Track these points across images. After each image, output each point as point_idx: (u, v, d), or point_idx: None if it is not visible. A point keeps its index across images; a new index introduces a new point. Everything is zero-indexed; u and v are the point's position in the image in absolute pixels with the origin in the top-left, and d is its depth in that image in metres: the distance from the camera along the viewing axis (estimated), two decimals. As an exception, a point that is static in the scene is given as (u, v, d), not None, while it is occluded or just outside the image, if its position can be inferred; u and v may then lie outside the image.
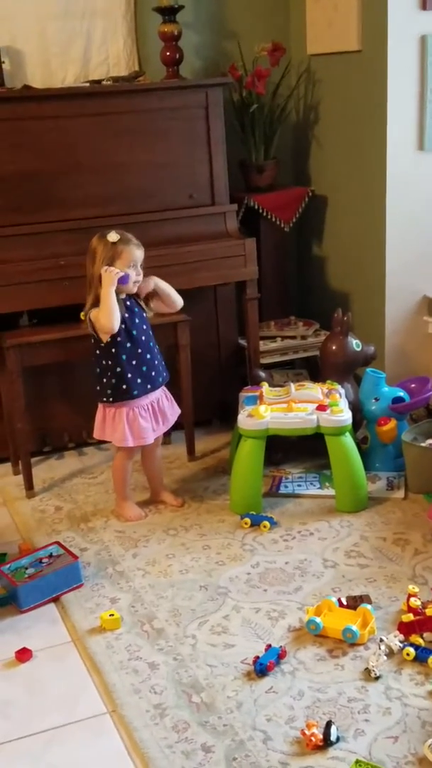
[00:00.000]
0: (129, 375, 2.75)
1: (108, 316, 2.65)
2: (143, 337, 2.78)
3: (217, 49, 3.65)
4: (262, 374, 3.27)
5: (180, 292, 3.21)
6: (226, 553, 2.65)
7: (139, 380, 2.77)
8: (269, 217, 3.59)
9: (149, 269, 2.93)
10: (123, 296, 2.74)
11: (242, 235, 3.35)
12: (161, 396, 2.87)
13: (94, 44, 3.45)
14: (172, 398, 2.93)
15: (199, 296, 3.41)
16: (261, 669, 2.08)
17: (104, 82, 3.32)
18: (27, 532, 2.86)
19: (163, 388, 2.89)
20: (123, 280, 2.67)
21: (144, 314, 2.82)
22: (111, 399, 2.77)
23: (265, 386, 3.08)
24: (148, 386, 2.80)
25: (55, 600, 2.47)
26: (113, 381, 2.75)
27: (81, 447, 3.45)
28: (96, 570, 2.60)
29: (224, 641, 2.23)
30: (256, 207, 3.56)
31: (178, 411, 2.95)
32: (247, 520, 2.80)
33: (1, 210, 3.06)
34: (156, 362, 2.82)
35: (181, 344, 3.18)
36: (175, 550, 2.69)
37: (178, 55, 3.40)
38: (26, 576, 2.45)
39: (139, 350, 2.77)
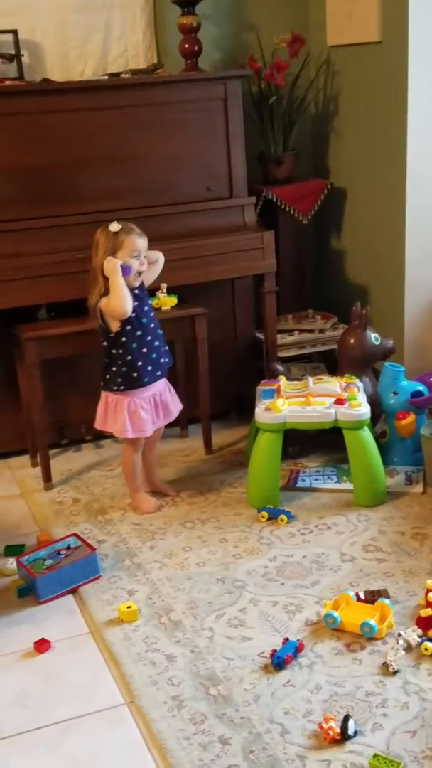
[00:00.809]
0: (139, 363, 2.77)
1: (120, 300, 2.66)
2: (152, 324, 2.80)
3: (236, 40, 3.63)
4: (280, 368, 3.26)
5: (197, 285, 3.23)
6: (243, 546, 2.65)
7: (149, 368, 2.79)
8: (287, 209, 3.58)
9: (168, 262, 2.93)
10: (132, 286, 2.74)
11: (260, 227, 3.34)
12: (164, 389, 2.87)
13: (113, 36, 3.44)
14: (175, 392, 2.94)
15: (216, 289, 3.40)
16: (278, 662, 2.08)
17: (123, 75, 3.32)
18: (45, 524, 2.87)
19: (166, 381, 2.89)
20: (125, 271, 2.67)
21: (149, 300, 2.83)
22: (122, 387, 2.78)
23: (282, 380, 3.07)
24: (158, 373, 2.82)
25: (73, 591, 2.48)
26: (123, 369, 2.77)
27: (98, 439, 3.46)
28: (113, 562, 2.61)
29: (241, 634, 2.23)
30: (275, 199, 3.55)
31: (180, 405, 2.95)
32: (264, 513, 2.80)
33: (20, 203, 3.06)
34: (163, 348, 2.85)
35: (199, 337, 3.18)
36: (192, 543, 2.69)
37: (196, 47, 3.39)
38: (44, 567, 2.46)
39: (149, 337, 2.78)
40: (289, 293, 3.71)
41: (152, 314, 2.82)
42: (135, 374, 2.77)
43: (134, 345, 2.76)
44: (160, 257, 2.87)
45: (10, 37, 3.25)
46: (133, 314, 2.73)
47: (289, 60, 3.50)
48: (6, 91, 3.04)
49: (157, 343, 2.81)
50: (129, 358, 2.76)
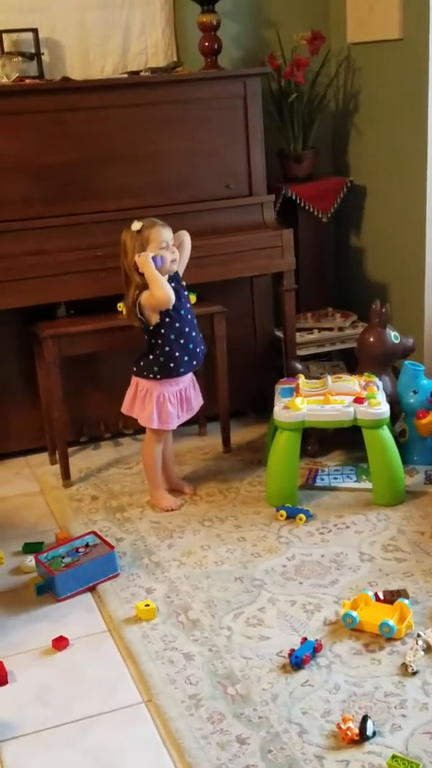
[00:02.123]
0: (177, 354, 2.80)
1: (161, 290, 2.69)
2: (189, 315, 2.83)
3: (256, 38, 3.62)
4: (299, 366, 3.25)
5: (216, 283, 3.22)
6: (261, 545, 2.65)
7: (185, 358, 2.82)
8: (307, 207, 3.57)
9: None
10: (165, 277, 2.75)
11: (279, 225, 3.33)
12: (189, 384, 2.90)
13: (133, 34, 3.44)
14: (198, 387, 2.95)
15: (235, 287, 3.40)
16: (296, 662, 2.07)
17: (142, 73, 3.32)
18: (64, 521, 2.88)
19: (192, 376, 2.91)
20: (157, 262, 2.70)
21: (185, 291, 2.85)
22: (158, 376, 2.81)
23: (301, 378, 3.06)
24: (194, 362, 2.85)
25: (92, 589, 2.49)
26: (161, 359, 2.79)
27: (117, 437, 3.47)
28: (132, 560, 2.61)
29: (260, 633, 2.23)
30: (294, 197, 3.53)
31: (201, 401, 2.97)
32: (283, 512, 2.79)
33: (40, 201, 3.07)
34: (200, 338, 2.88)
35: (218, 335, 3.18)
36: (211, 542, 2.69)
37: (216, 45, 3.38)
38: (63, 565, 2.47)
39: (186, 328, 2.81)
40: (309, 291, 3.70)
41: (189, 305, 2.85)
42: (172, 364, 2.80)
43: (173, 336, 2.79)
44: (185, 238, 2.88)
45: (30, 35, 3.26)
46: (171, 306, 2.77)
47: (309, 57, 3.48)
48: (26, 90, 3.05)
49: (194, 333, 2.85)
50: (167, 349, 2.79)
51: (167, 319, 2.77)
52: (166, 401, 2.82)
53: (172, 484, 3.02)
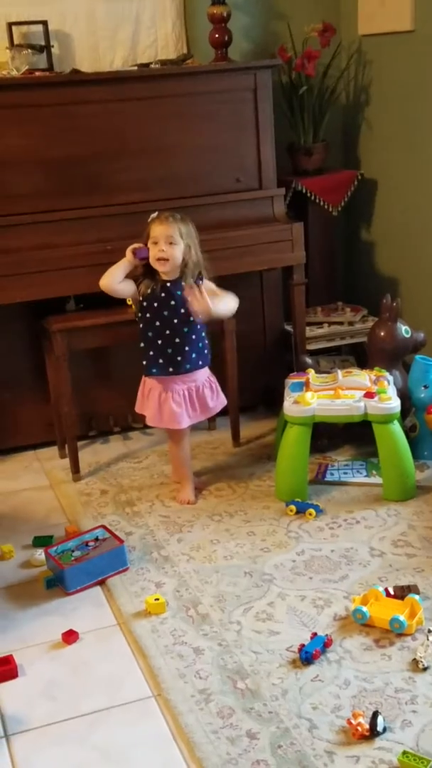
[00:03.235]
0: (151, 353, 2.78)
1: (105, 275, 2.75)
2: (175, 320, 2.77)
3: (267, 30, 3.60)
4: (309, 360, 3.24)
5: (226, 277, 3.20)
6: (271, 539, 2.64)
7: (160, 360, 2.78)
8: (317, 200, 3.55)
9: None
10: (165, 278, 2.74)
11: (290, 219, 3.31)
12: (202, 384, 2.85)
13: (143, 27, 3.43)
14: (218, 389, 2.91)
15: (245, 281, 3.38)
16: (306, 657, 2.07)
17: (152, 66, 3.30)
18: (73, 515, 2.88)
19: (209, 376, 2.87)
20: (139, 253, 2.71)
21: (189, 299, 2.78)
22: (144, 371, 2.83)
23: (311, 373, 3.05)
24: (170, 369, 2.79)
25: (101, 583, 2.48)
26: (142, 355, 2.81)
27: (126, 431, 3.46)
28: (141, 554, 2.61)
29: (269, 628, 2.22)
30: (304, 191, 3.52)
31: (223, 401, 2.92)
32: (293, 507, 2.78)
33: (49, 194, 3.07)
34: (187, 349, 2.79)
35: (227, 330, 3.16)
36: (220, 536, 2.68)
37: (226, 37, 3.37)
38: (73, 559, 2.47)
39: (168, 332, 2.77)
40: (319, 285, 3.68)
41: (183, 312, 2.76)
42: (144, 362, 2.80)
43: (149, 333, 2.78)
44: (227, 299, 2.84)
45: (39, 27, 3.25)
46: (155, 305, 2.75)
47: (320, 49, 3.46)
48: (36, 83, 3.04)
49: (177, 341, 2.77)
50: (142, 345, 2.80)
51: (147, 314, 2.76)
52: (168, 400, 2.80)
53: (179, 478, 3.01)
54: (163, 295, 2.75)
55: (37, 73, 3.15)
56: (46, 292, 3.03)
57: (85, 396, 3.31)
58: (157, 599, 2.32)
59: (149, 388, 2.84)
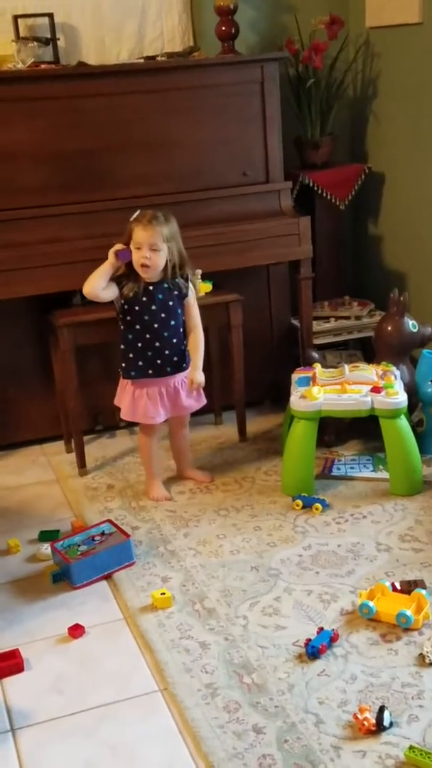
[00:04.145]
0: (130, 355, 2.77)
1: (89, 279, 2.70)
2: (156, 325, 2.73)
3: (274, 23, 3.58)
4: (315, 355, 3.23)
5: (232, 271, 3.20)
6: (277, 534, 2.63)
7: (140, 363, 2.76)
8: (324, 194, 3.53)
9: (203, 248, 2.90)
10: (148, 281, 2.71)
11: (297, 213, 3.30)
12: (176, 385, 2.81)
13: (149, 19, 3.42)
14: (197, 391, 2.84)
15: (251, 275, 3.38)
16: (313, 652, 2.06)
17: (159, 58, 3.29)
18: (79, 510, 2.88)
19: (185, 377, 2.82)
20: (122, 256, 2.67)
21: (174, 306, 2.74)
22: (120, 372, 2.82)
23: (318, 367, 3.04)
24: (150, 371, 2.76)
25: (107, 577, 2.48)
26: (121, 356, 2.79)
27: (132, 426, 3.45)
28: (147, 548, 2.60)
29: (275, 623, 2.22)
30: (311, 184, 3.50)
31: (200, 402, 2.87)
32: (299, 501, 2.78)
33: (55, 188, 3.06)
34: (167, 353, 2.76)
35: (234, 324, 3.16)
36: (226, 531, 2.68)
37: (233, 30, 3.35)
38: (79, 553, 2.47)
39: (148, 335, 2.74)
40: (326, 279, 3.67)
41: (163, 316, 2.73)
42: (123, 364, 2.79)
43: (130, 336, 2.76)
44: (200, 344, 2.82)
45: (45, 20, 3.24)
46: (136, 308, 2.73)
47: (328, 42, 3.44)
48: (41, 76, 3.03)
49: (157, 344, 2.74)
50: (122, 346, 2.78)
51: (128, 317, 2.74)
52: (142, 395, 2.78)
53: (186, 474, 3.01)
54: (144, 299, 2.72)
55: (43, 66, 3.14)
56: (52, 287, 3.02)
57: (92, 390, 3.30)
58: (163, 594, 2.32)
59: (124, 383, 2.84)
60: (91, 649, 2.19)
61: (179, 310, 2.76)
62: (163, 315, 2.74)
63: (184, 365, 2.80)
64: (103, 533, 2.56)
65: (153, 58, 3.31)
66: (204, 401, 2.90)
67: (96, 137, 3.07)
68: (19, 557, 2.63)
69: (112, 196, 3.11)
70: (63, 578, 2.48)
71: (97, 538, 2.54)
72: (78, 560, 2.44)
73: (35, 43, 3.18)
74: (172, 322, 2.75)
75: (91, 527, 2.61)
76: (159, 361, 2.76)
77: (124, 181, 3.13)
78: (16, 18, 3.21)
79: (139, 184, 3.13)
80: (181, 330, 2.78)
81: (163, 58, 3.28)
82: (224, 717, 1.91)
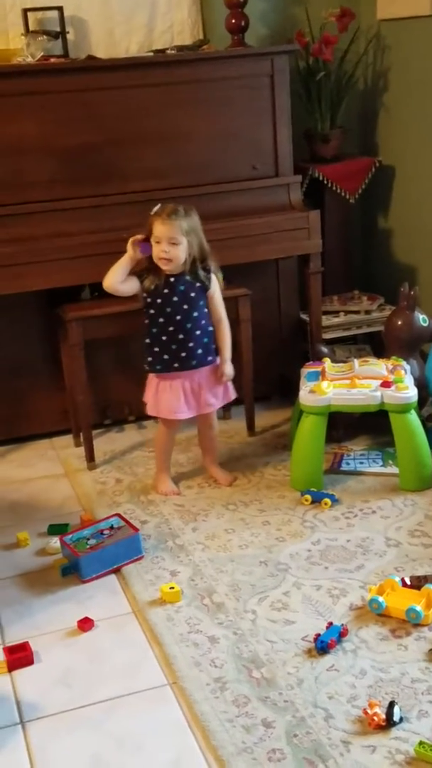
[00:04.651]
0: (156, 349, 2.77)
1: (108, 273, 2.73)
2: (178, 317, 2.73)
3: (284, 15, 3.56)
4: (325, 350, 3.22)
5: (241, 265, 3.19)
6: (286, 529, 2.63)
7: (165, 356, 2.76)
8: (334, 188, 3.52)
9: (212, 242, 2.88)
10: (174, 273, 2.71)
11: (306, 207, 3.28)
12: (201, 380, 2.80)
13: (159, 12, 3.40)
14: (227, 385, 2.85)
15: (260, 270, 3.36)
16: (322, 646, 2.06)
17: (168, 52, 3.28)
18: (88, 504, 2.88)
19: (208, 376, 2.81)
20: (142, 248, 2.69)
21: (196, 298, 2.74)
22: (145, 366, 2.81)
23: (327, 362, 3.03)
24: (175, 365, 2.76)
25: (116, 571, 2.48)
26: (145, 349, 2.79)
27: (141, 420, 3.46)
28: (156, 543, 2.60)
29: (284, 617, 2.21)
30: (321, 178, 3.48)
31: (229, 397, 2.87)
32: (308, 496, 2.77)
33: (64, 182, 3.05)
34: (191, 345, 2.75)
35: (242, 318, 3.15)
36: (235, 525, 2.67)
37: (243, 22, 3.33)
38: (88, 547, 2.47)
39: (171, 328, 2.74)
40: (335, 273, 3.65)
41: (185, 308, 2.72)
42: (150, 358, 2.78)
43: (154, 329, 2.76)
44: (227, 336, 2.83)
45: (55, 13, 3.23)
46: (159, 301, 2.73)
47: (338, 35, 3.42)
48: (51, 69, 3.02)
49: (181, 337, 2.74)
50: (147, 340, 2.78)
51: (151, 311, 2.75)
52: (166, 390, 2.78)
53: (210, 472, 2.99)
54: (166, 291, 2.72)
55: (53, 60, 3.13)
56: (61, 281, 3.02)
57: (100, 384, 3.30)
58: (172, 588, 2.32)
59: (150, 376, 2.84)
60: (100, 643, 2.19)
61: (202, 303, 2.76)
62: (185, 307, 2.74)
63: (209, 358, 2.79)
64: (111, 527, 2.56)
65: (162, 51, 3.30)
66: (231, 398, 2.89)
67: (105, 131, 3.06)
68: (28, 550, 2.63)
69: (121, 190, 3.11)
70: (72, 572, 2.48)
71: (105, 531, 2.54)
72: (87, 554, 2.44)
73: (44, 37, 3.17)
74: (195, 314, 2.75)
75: (99, 521, 2.61)
76: (184, 354, 2.76)
77: (133, 174, 3.12)
78: (25, 11, 3.21)
79: (148, 178, 3.13)
80: (204, 322, 2.77)
81: (173, 52, 3.26)
82: (233, 711, 1.91)
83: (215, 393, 2.84)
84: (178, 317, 2.74)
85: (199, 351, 2.77)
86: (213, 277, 2.78)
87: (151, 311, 2.75)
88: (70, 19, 3.28)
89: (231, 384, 2.88)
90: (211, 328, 2.80)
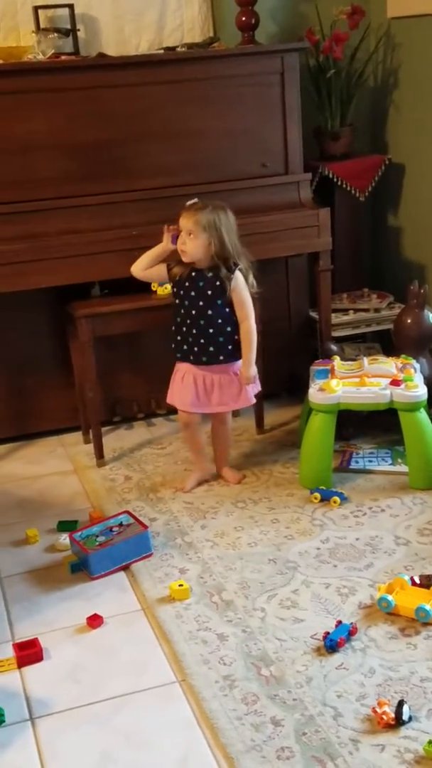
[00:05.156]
0: (178, 337, 2.80)
1: (135, 262, 2.84)
2: (194, 312, 2.74)
3: (294, 12, 3.55)
4: (334, 348, 3.21)
5: (251, 263, 3.18)
6: (295, 527, 2.63)
7: (184, 346, 2.79)
8: (344, 185, 3.51)
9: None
10: (199, 267, 2.73)
11: (316, 204, 3.28)
12: (215, 378, 2.78)
13: (169, 9, 3.40)
14: (245, 390, 2.80)
15: (270, 267, 3.35)
16: (331, 645, 2.06)
17: (178, 49, 3.27)
18: (97, 501, 2.89)
19: (233, 373, 2.79)
20: (173, 238, 2.75)
21: (213, 296, 2.73)
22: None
23: (336, 360, 3.02)
24: (190, 357, 2.79)
25: (125, 568, 2.49)
26: (172, 336, 2.83)
27: (150, 417, 3.46)
28: (165, 540, 2.61)
29: (293, 615, 2.21)
30: (331, 175, 3.47)
31: (247, 400, 2.83)
32: (317, 494, 2.77)
33: (74, 179, 3.05)
34: (203, 342, 2.75)
35: (252, 316, 3.14)
36: (244, 523, 2.67)
37: (253, 20, 3.32)
38: (97, 544, 2.48)
39: (188, 321, 2.77)
40: (345, 271, 3.64)
41: (201, 304, 2.73)
42: (173, 344, 2.82)
43: (177, 318, 2.80)
44: (251, 340, 2.78)
45: (66, 11, 3.23)
46: (181, 292, 2.77)
47: (349, 32, 3.41)
48: (62, 67, 3.02)
49: (194, 332, 2.75)
50: (173, 327, 2.82)
51: (176, 300, 2.80)
52: (180, 380, 2.81)
53: (220, 472, 2.98)
54: (187, 284, 2.75)
55: (63, 57, 3.13)
56: (71, 278, 3.02)
57: (110, 382, 3.31)
58: (181, 585, 2.32)
59: (176, 363, 2.87)
60: (109, 640, 2.20)
61: (220, 302, 2.73)
62: (201, 303, 2.74)
63: (221, 357, 2.77)
64: (121, 524, 2.56)
65: (173, 49, 3.29)
66: (248, 402, 2.85)
67: (115, 128, 3.06)
68: (37, 547, 2.64)
69: (131, 188, 3.11)
70: (81, 568, 2.49)
71: (115, 529, 2.54)
72: (96, 551, 2.44)
73: (55, 35, 3.18)
74: (210, 312, 2.74)
75: (109, 518, 2.62)
76: (196, 349, 2.77)
77: (143, 172, 3.12)
78: (36, 9, 3.21)
79: (158, 176, 3.13)
80: (221, 321, 2.75)
81: (183, 49, 3.26)
82: (242, 709, 1.91)
83: (230, 394, 2.81)
84: (194, 312, 2.75)
85: (211, 349, 2.76)
86: (236, 277, 2.72)
87: (176, 300, 2.80)
88: (81, 16, 3.28)
89: (253, 388, 2.83)
90: (229, 329, 2.76)
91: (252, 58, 3.18)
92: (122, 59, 3.17)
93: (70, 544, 2.56)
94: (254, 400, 2.90)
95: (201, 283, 2.74)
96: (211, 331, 2.76)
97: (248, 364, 2.78)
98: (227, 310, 2.75)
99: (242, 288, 2.75)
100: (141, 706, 1.96)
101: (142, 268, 2.84)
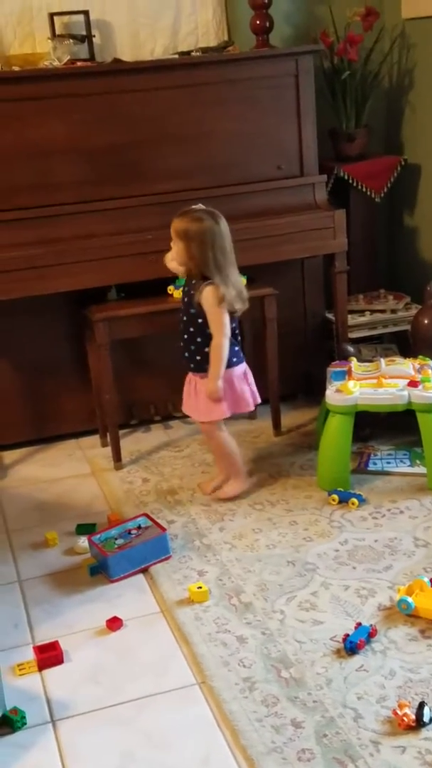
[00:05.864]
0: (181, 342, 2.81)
1: None
2: (182, 317, 2.75)
3: (308, 15, 3.56)
4: (351, 349, 3.21)
5: (267, 265, 3.19)
6: (313, 529, 2.63)
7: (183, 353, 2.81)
8: (359, 187, 3.51)
9: (237, 242, 2.87)
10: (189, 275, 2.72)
11: (331, 206, 3.28)
12: (198, 385, 2.76)
13: (183, 14, 3.41)
14: (206, 404, 2.73)
15: (286, 269, 3.36)
16: (351, 647, 2.06)
17: (193, 53, 3.29)
18: (115, 503, 2.90)
19: (197, 384, 2.76)
20: None
21: (186, 306, 2.71)
22: None
23: (353, 361, 3.02)
24: (183, 360, 2.79)
25: (144, 571, 2.50)
26: None
27: (167, 420, 3.47)
28: (183, 542, 2.61)
29: (313, 617, 2.21)
30: (346, 177, 3.47)
31: (205, 415, 2.75)
32: (335, 496, 2.76)
33: (90, 184, 3.07)
34: (181, 346, 2.76)
35: (268, 317, 3.15)
36: (262, 525, 2.68)
37: (268, 23, 3.33)
38: (116, 546, 2.48)
39: (180, 325, 2.77)
40: (360, 273, 3.64)
41: (181, 311, 2.74)
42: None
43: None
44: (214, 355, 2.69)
45: (81, 17, 3.25)
46: (183, 296, 2.77)
47: (363, 34, 3.41)
48: (77, 73, 3.04)
49: (185, 336, 2.74)
50: None
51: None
52: (186, 381, 2.83)
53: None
54: (185, 288, 2.75)
55: (79, 63, 3.15)
56: (88, 282, 3.04)
57: (127, 385, 3.32)
58: (200, 587, 2.33)
59: None
60: (129, 642, 2.21)
61: (192, 311, 2.69)
62: (182, 311, 2.76)
63: (192, 366, 2.75)
64: (139, 527, 2.57)
65: (187, 53, 3.31)
66: (207, 417, 2.76)
67: (131, 133, 3.08)
68: (56, 550, 2.66)
69: (147, 191, 3.12)
70: (100, 571, 2.50)
71: (133, 531, 2.55)
72: (115, 553, 2.45)
73: (71, 41, 3.19)
74: (185, 319, 2.74)
75: (127, 521, 2.63)
76: (186, 353, 2.77)
77: (159, 176, 3.13)
78: (51, 16, 3.23)
79: (174, 179, 3.14)
80: (192, 330, 2.71)
81: (198, 53, 3.27)
82: (262, 711, 1.91)
83: (196, 404, 2.78)
84: (184, 317, 2.75)
85: (186, 355, 2.76)
86: (202, 291, 2.62)
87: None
88: (96, 22, 3.30)
89: (217, 405, 2.71)
90: (199, 339, 2.70)
91: (266, 61, 3.19)
92: (137, 64, 3.19)
93: (89, 547, 2.58)
94: (216, 417, 2.74)
95: (186, 290, 2.75)
96: (185, 337, 2.75)
97: (210, 379, 2.68)
98: (199, 321, 2.68)
99: (209, 303, 2.62)
100: (161, 707, 1.97)
101: (170, 259, 2.77)
